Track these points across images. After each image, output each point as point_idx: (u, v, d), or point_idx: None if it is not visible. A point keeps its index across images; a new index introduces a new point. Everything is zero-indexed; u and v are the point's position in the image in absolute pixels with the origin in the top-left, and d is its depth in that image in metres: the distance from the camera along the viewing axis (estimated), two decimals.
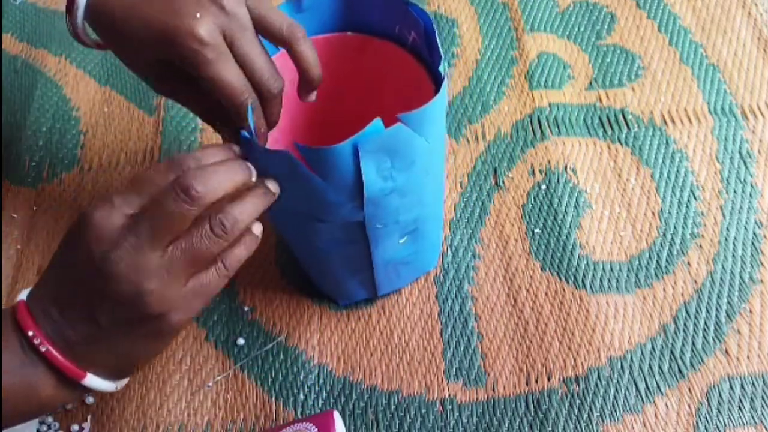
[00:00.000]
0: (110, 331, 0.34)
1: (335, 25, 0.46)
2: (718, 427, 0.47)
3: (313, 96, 0.43)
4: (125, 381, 0.37)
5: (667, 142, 0.61)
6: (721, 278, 0.54)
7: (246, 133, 0.39)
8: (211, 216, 0.34)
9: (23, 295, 0.35)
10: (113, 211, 0.33)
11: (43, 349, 0.33)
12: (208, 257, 0.34)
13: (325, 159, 0.36)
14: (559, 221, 0.57)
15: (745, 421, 0.47)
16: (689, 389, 0.49)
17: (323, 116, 0.52)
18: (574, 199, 0.58)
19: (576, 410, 0.49)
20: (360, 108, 0.50)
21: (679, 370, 0.50)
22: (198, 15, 0.36)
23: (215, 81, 0.37)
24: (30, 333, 0.33)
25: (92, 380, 0.35)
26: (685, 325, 0.52)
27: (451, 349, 0.52)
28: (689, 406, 0.48)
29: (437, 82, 0.43)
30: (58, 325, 0.34)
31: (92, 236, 0.33)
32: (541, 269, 0.55)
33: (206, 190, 0.33)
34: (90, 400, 0.51)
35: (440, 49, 0.41)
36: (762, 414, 0.48)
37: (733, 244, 0.55)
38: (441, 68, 0.40)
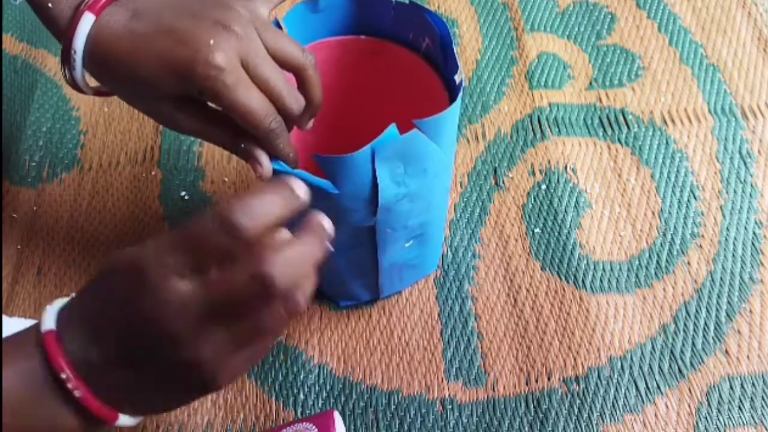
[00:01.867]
0: (155, 381, 0.32)
1: (350, 27, 0.46)
2: (718, 427, 0.47)
3: (311, 123, 0.42)
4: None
5: (667, 142, 0.61)
6: (721, 278, 0.54)
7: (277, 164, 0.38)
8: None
9: (50, 322, 0.31)
10: (171, 278, 0.29)
11: (78, 395, 0.31)
12: (272, 334, 0.32)
13: (342, 167, 0.36)
14: (559, 221, 0.57)
15: (745, 421, 0.47)
16: (689, 389, 0.49)
17: (333, 118, 0.52)
18: (574, 199, 0.58)
19: (576, 410, 0.49)
20: (370, 111, 0.50)
21: (679, 370, 0.50)
22: (212, 42, 0.35)
23: (238, 107, 0.36)
24: (63, 375, 0.30)
25: (122, 420, 0.32)
26: (685, 325, 0.52)
27: (451, 349, 0.52)
28: (689, 406, 0.48)
29: (450, 89, 0.43)
30: (95, 367, 0.31)
31: (154, 305, 0.29)
32: (541, 269, 0.55)
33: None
34: None
35: (457, 58, 0.40)
36: (762, 414, 0.48)
37: (733, 244, 0.55)
38: (457, 76, 0.40)
